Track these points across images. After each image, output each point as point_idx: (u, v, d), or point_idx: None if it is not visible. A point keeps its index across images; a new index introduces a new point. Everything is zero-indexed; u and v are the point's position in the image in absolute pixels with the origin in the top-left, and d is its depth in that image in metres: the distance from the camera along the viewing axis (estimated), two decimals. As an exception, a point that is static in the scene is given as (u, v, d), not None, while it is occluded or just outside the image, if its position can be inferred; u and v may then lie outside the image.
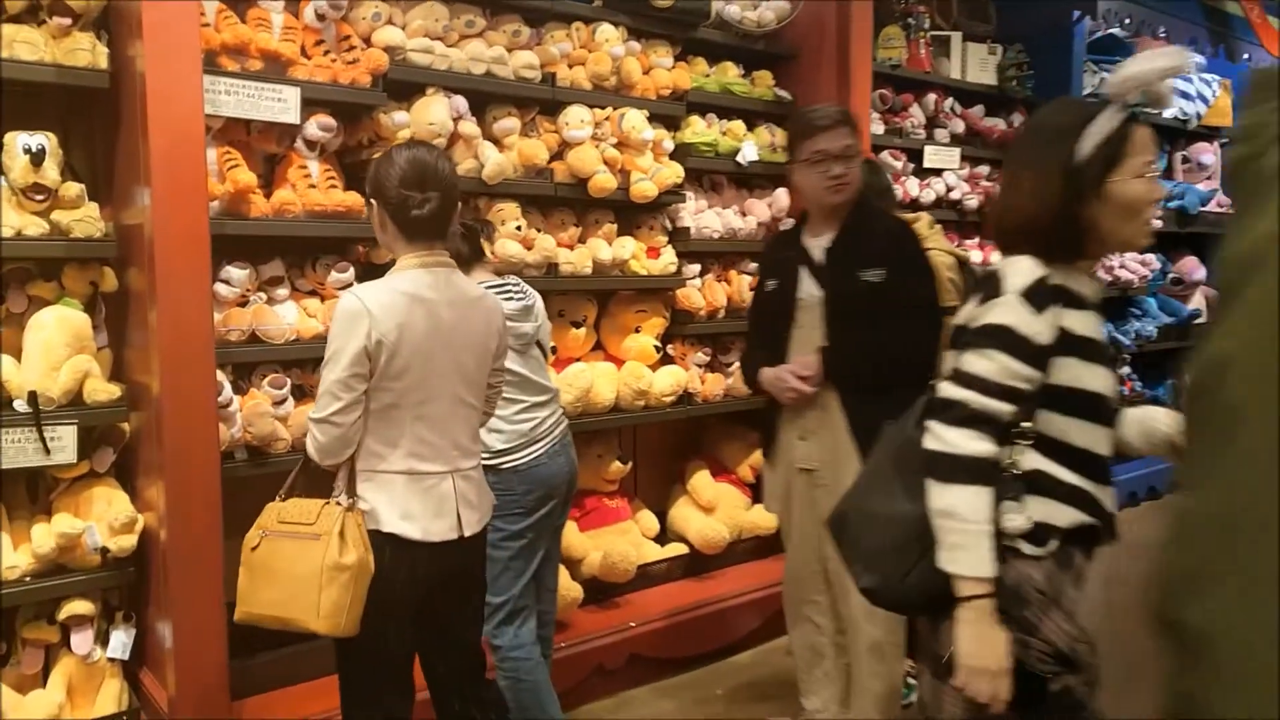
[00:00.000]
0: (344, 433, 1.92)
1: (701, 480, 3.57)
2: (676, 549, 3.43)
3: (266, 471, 2.56)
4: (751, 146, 3.52)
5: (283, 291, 2.68)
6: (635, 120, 3.17)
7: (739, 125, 3.56)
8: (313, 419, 1.93)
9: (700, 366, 3.52)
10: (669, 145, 3.32)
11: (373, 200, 2.01)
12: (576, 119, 3.09)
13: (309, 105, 2.61)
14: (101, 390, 2.31)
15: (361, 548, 1.86)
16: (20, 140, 2.26)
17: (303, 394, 2.70)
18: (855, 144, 2.39)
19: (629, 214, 3.35)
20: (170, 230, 2.19)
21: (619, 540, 3.23)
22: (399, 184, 1.95)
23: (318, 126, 2.65)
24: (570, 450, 2.53)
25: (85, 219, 2.29)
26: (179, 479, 2.28)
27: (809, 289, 2.38)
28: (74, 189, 2.30)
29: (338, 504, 1.91)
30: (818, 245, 2.40)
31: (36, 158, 2.22)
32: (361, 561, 1.85)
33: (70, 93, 2.42)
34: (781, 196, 3.60)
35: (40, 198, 2.26)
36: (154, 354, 2.24)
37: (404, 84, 2.81)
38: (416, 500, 1.95)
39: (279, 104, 2.54)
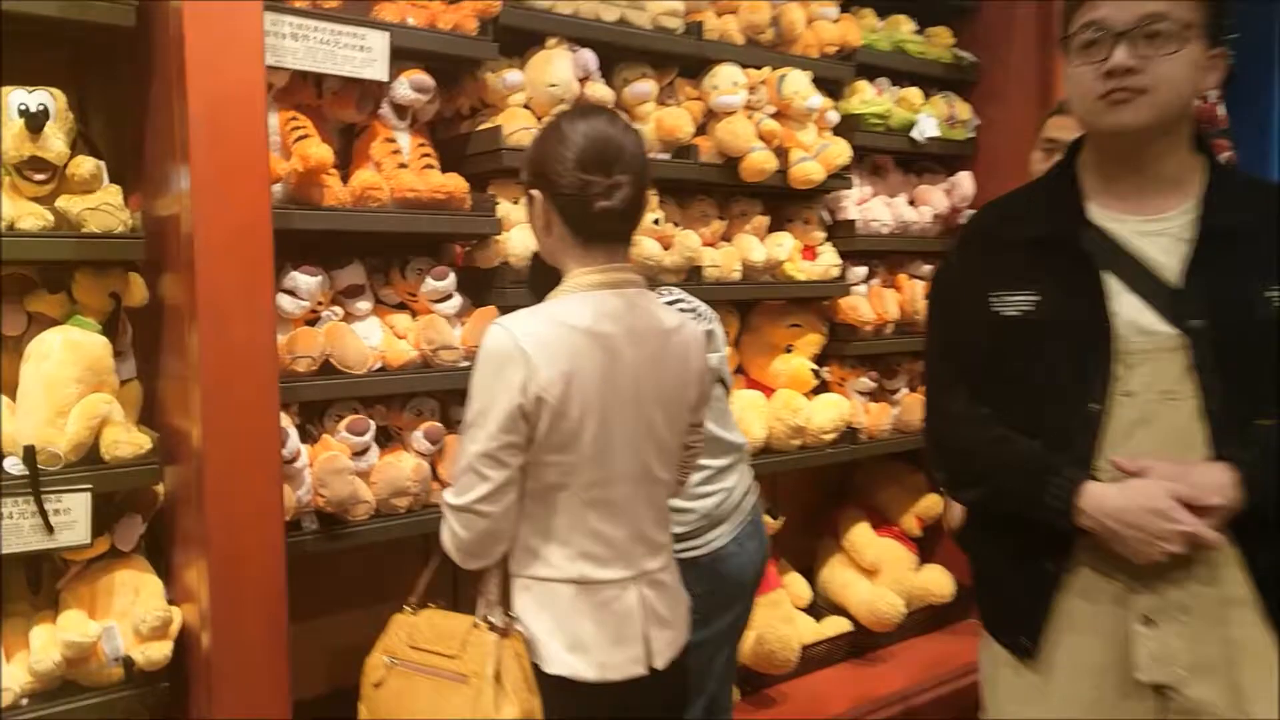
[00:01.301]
0: (493, 526, 1.33)
1: (862, 536, 2.88)
2: (838, 625, 2.75)
3: (343, 547, 1.92)
4: (930, 120, 2.83)
5: (364, 305, 2.04)
6: (798, 83, 2.49)
7: (914, 93, 2.86)
8: (452, 505, 1.35)
9: (863, 395, 2.83)
10: (834, 117, 2.64)
11: (534, 191, 1.39)
12: (727, 81, 2.41)
13: (398, 58, 1.97)
14: (125, 442, 1.67)
15: (525, 693, 1.31)
16: (14, 98, 1.63)
17: (388, 439, 2.05)
18: (1179, 15, 1.26)
19: (778, 204, 2.68)
20: (216, 223, 1.55)
21: (771, 616, 2.55)
22: (576, 165, 1.36)
23: (411, 86, 2.00)
24: (763, 530, 1.87)
25: (103, 207, 1.66)
26: (229, 561, 1.64)
27: (1137, 315, 1.31)
28: (88, 166, 1.67)
29: (489, 625, 1.30)
30: (1137, 226, 1.34)
31: (35, 121, 1.59)
32: (528, 715, 1.25)
33: (86, 36, 1.79)
34: (964, 182, 2.90)
35: (41, 177, 1.63)
36: (195, 390, 1.60)
37: (518, 33, 2.16)
38: (589, 621, 1.35)
39: (362, 54, 1.90)
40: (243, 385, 1.61)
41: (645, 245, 2.27)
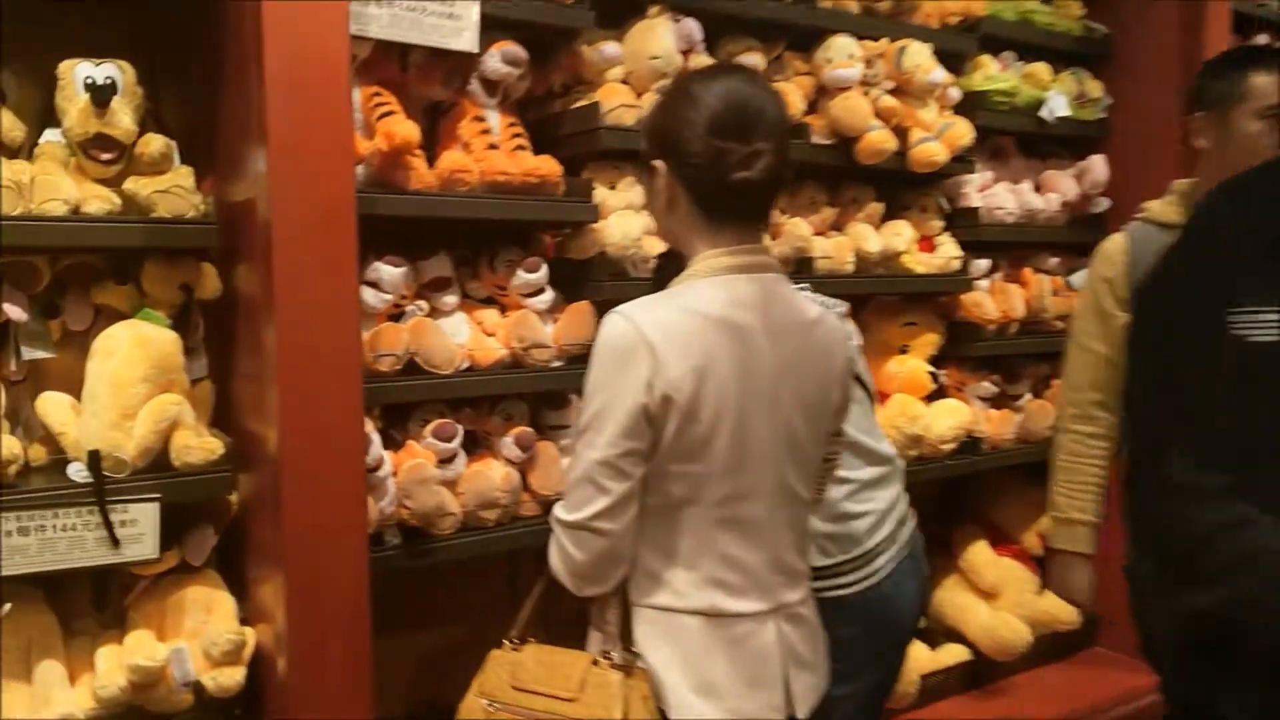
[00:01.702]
0: (613, 546, 1.15)
1: (980, 556, 2.62)
2: (956, 654, 2.50)
3: (429, 564, 1.75)
4: (1061, 98, 2.56)
5: (450, 299, 1.86)
6: (920, 56, 2.26)
7: (1042, 68, 2.60)
8: (565, 522, 1.18)
9: (984, 400, 2.57)
10: (955, 94, 2.39)
11: (656, 162, 1.20)
12: (842, 53, 2.19)
13: (488, 29, 1.79)
14: (196, 447, 1.52)
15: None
16: (80, 71, 1.50)
17: (475, 445, 1.88)
18: None
19: (891, 189, 2.44)
20: (296, 208, 1.39)
21: (886, 643, 2.31)
22: (708, 130, 1.17)
23: (503, 59, 1.82)
24: (923, 564, 1.65)
25: (174, 190, 1.51)
26: (309, 578, 1.48)
27: None
28: (158, 145, 1.53)
29: (609, 662, 1.12)
30: None
31: (101, 95, 1.45)
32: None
33: (156, 4, 1.66)
34: (1097, 166, 2.63)
35: (108, 157, 1.50)
36: (272, 391, 1.45)
37: (616, 1, 1.97)
38: (721, 659, 1.17)
39: (450, 23, 1.73)
40: (324, 386, 1.44)
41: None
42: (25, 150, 1.56)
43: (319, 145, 1.39)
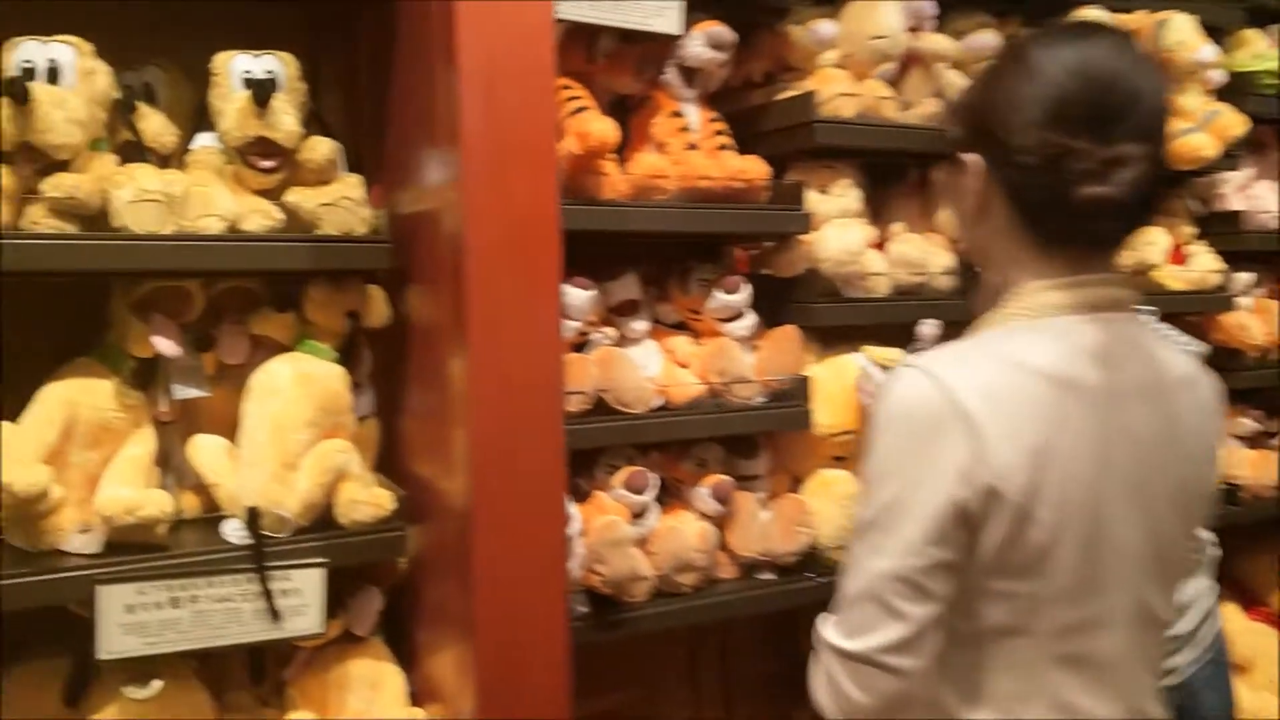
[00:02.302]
0: (909, 688, 0.84)
1: (1231, 622, 2.22)
2: (1209, 739, 2.11)
3: (618, 637, 1.49)
4: (1344, 78, 2.14)
5: (640, 325, 1.61)
6: (1183, 31, 1.88)
7: (1320, 43, 2.18)
8: (841, 651, 0.86)
9: (1241, 440, 2.17)
10: (1219, 76, 2.00)
11: (969, 155, 0.91)
12: (1092, 30, 1.84)
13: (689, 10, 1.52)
14: (365, 502, 1.31)
15: None
16: (237, 65, 1.29)
17: (667, 494, 1.61)
18: None
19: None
20: (494, 221, 1.14)
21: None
22: (1048, 119, 0.87)
23: (707, 42, 1.55)
24: (1226, 660, 1.32)
25: (342, 203, 1.30)
26: (502, 653, 1.23)
27: None
28: (324, 150, 1.31)
29: None
30: None
31: (262, 91, 1.24)
32: None
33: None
34: (1385, 160, 2.20)
35: (269, 164, 1.28)
36: (459, 433, 1.21)
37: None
38: None
39: (651, 2, 1.47)
40: (523, 427, 1.19)
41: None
42: (177, 158, 1.37)
43: (521, 148, 1.14)
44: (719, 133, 1.61)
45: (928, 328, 1.67)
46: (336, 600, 1.39)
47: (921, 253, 1.73)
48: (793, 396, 1.61)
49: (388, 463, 1.52)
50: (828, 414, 1.64)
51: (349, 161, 1.41)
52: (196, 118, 1.41)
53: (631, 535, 1.47)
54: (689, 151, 1.55)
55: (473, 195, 1.12)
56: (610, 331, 1.58)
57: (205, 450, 1.32)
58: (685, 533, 1.55)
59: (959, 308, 1.77)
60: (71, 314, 1.32)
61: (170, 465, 1.38)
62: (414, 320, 1.40)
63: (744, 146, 1.65)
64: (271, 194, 1.31)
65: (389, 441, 1.51)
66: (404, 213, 1.38)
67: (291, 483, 1.29)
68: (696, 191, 1.53)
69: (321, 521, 1.32)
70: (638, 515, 1.52)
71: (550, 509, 1.24)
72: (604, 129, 1.39)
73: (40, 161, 1.17)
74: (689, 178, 1.51)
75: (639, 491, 1.50)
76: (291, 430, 1.29)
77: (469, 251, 1.12)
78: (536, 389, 1.19)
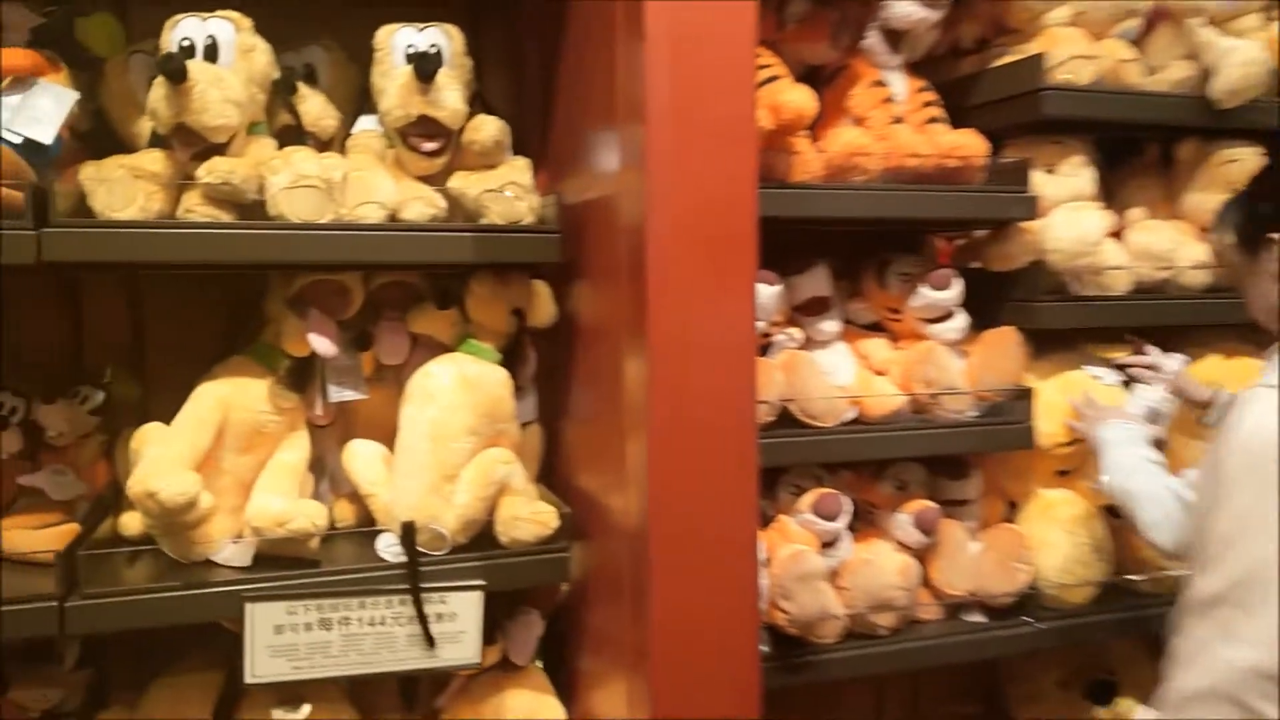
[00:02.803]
0: None
1: None
2: None
3: (808, 681, 1.31)
4: None
5: (830, 325, 1.41)
6: None
7: None
8: None
9: None
10: None
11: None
12: (1391, -28, 1.51)
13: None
14: (528, 519, 1.18)
15: None
16: (400, 39, 1.18)
17: (860, 521, 1.41)
18: None
19: None
20: (681, 208, 0.97)
21: None
22: None
23: (919, -2, 1.34)
24: None
25: (509, 189, 1.17)
26: (681, 689, 1.06)
27: None
28: (490, 130, 1.19)
29: None
30: None
31: (426, 66, 1.12)
32: None
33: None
34: None
35: (432, 146, 1.17)
36: (634, 444, 1.06)
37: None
38: None
39: (854, -47, 1.27)
40: (710, 439, 1.02)
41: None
42: (337, 143, 1.28)
43: (714, 125, 0.96)
44: (928, 104, 1.40)
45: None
46: (494, 623, 1.27)
47: (1169, 243, 1.46)
48: (1011, 411, 1.38)
49: (549, 473, 1.39)
50: (1050, 421, 1.40)
51: (514, 145, 1.28)
52: (359, 101, 1.32)
53: (822, 568, 1.28)
54: (894, 126, 1.34)
55: (657, 179, 0.96)
56: (796, 333, 1.39)
57: (361, 457, 1.23)
58: (883, 566, 1.35)
59: (1210, 308, 1.49)
60: (225, 309, 1.25)
61: (324, 471, 1.30)
62: (583, 318, 1.26)
63: (954, 121, 1.43)
64: (434, 180, 1.20)
65: (551, 450, 1.38)
66: (573, 201, 1.24)
67: (449, 496, 1.17)
68: (902, 171, 1.32)
69: (480, 539, 1.20)
70: (828, 545, 1.33)
71: (739, 533, 1.06)
72: (801, 100, 1.21)
73: (197, 145, 1.09)
74: (894, 155, 1.31)
75: (830, 518, 1.31)
76: (451, 438, 1.17)
77: (651, 242, 0.96)
78: (726, 397, 1.02)
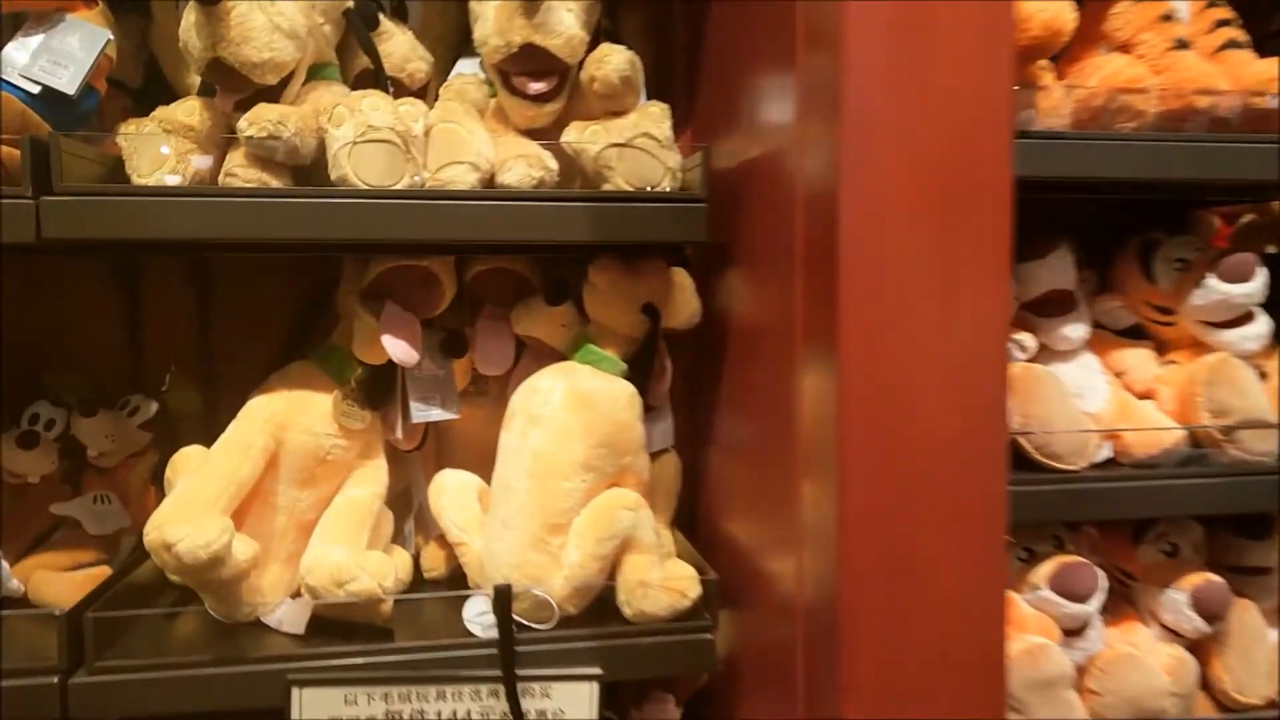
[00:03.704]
0: None
1: None
2: None
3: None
4: None
5: (1076, 331, 1.04)
6: None
7: None
8: None
9: None
10: None
11: None
12: None
13: None
14: (661, 586, 0.88)
15: None
16: (505, -53, 0.90)
17: (1112, 598, 1.03)
18: None
19: None
20: (896, 169, 0.64)
21: None
22: None
23: None
24: None
25: (642, 143, 0.87)
26: None
27: None
28: (617, 62, 0.88)
29: None
30: None
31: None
32: None
33: None
34: None
35: (540, 87, 0.88)
36: (815, 487, 0.73)
37: None
38: None
39: None
40: (933, 483, 0.68)
41: None
42: (431, 94, 1.02)
43: (949, 47, 0.63)
44: (1222, 23, 1.00)
45: None
46: (615, 707, 0.98)
47: None
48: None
49: (688, 516, 1.09)
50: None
51: (648, 90, 0.98)
52: (460, 43, 1.05)
53: (1069, 671, 0.92)
54: (1176, 53, 0.96)
55: (856, 124, 0.63)
56: (1028, 340, 1.03)
57: (449, 493, 0.96)
58: (1148, 664, 0.97)
59: None
60: (288, 302, 1.01)
61: (411, 507, 1.04)
62: (736, 317, 0.94)
63: (1257, 49, 1.03)
64: (544, 135, 0.91)
65: (690, 485, 1.08)
66: (724, 166, 0.92)
67: (557, 552, 0.88)
68: (1188, 113, 0.94)
69: (596, 610, 0.91)
70: (1071, 633, 0.96)
71: (977, 621, 0.72)
72: (1055, 12, 0.85)
73: (240, 89, 0.84)
74: (1180, 89, 0.93)
75: (1080, 597, 0.94)
76: (560, 475, 0.88)
77: (845, 212, 0.63)
78: (959, 428, 0.68)
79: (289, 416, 0.90)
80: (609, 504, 0.89)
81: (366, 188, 0.82)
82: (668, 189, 0.88)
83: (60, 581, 0.94)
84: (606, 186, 0.88)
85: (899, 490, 0.67)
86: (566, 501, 0.88)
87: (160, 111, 0.85)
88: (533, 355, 0.99)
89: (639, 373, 0.95)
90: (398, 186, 0.83)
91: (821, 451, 0.71)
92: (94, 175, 0.85)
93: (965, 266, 0.64)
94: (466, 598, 0.91)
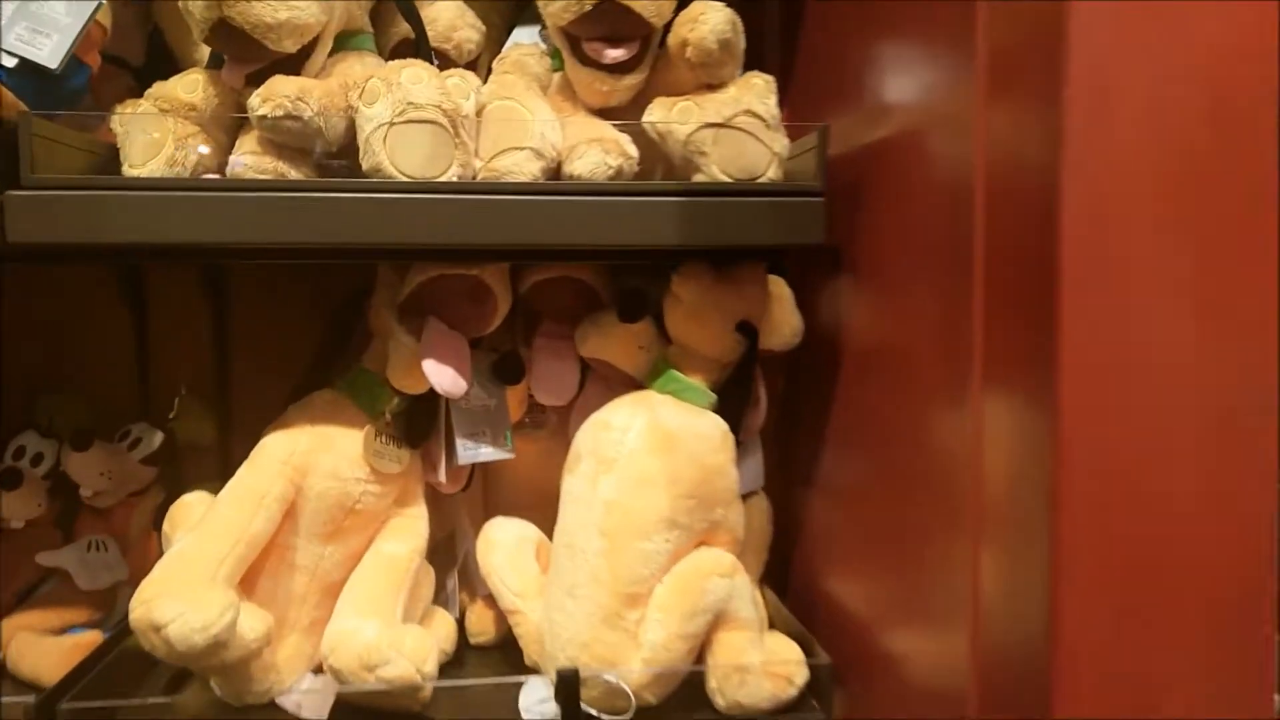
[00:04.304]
0: None
1: None
2: None
3: None
4: None
5: None
6: None
7: None
8: None
9: None
10: None
11: None
12: None
13: None
14: (760, 674, 0.71)
15: None
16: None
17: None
18: None
19: None
20: (1140, 152, 0.47)
21: None
22: None
23: None
24: None
25: (744, 122, 0.70)
26: None
27: None
28: (714, 22, 0.72)
29: None
30: None
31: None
32: None
33: None
34: None
35: (617, 54, 0.71)
36: (995, 556, 0.56)
37: None
38: None
39: None
40: (1174, 552, 0.51)
41: None
42: (483, 69, 0.86)
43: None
44: None
45: None
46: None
47: None
48: None
49: (779, 571, 0.92)
50: None
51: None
52: (514, 9, 0.89)
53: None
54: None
55: (1090, 95, 0.45)
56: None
57: (501, 550, 0.80)
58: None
59: None
60: (318, 318, 0.86)
61: (458, 558, 0.88)
62: (847, 334, 0.77)
63: None
64: (621, 115, 0.75)
65: (781, 533, 0.91)
66: (838, 151, 0.75)
67: (634, 628, 0.72)
68: None
69: (682, 696, 0.74)
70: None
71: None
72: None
73: (252, 60, 0.69)
74: None
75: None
76: (638, 533, 0.72)
77: (1071, 207, 0.46)
78: (1215, 488, 0.50)
79: (311, 458, 0.74)
80: (699, 570, 0.72)
81: (405, 179, 0.66)
82: (774, 179, 0.71)
83: (43, 648, 0.79)
84: (698, 177, 0.71)
85: (1132, 570, 0.50)
86: (646, 566, 0.71)
87: (157, 88, 0.70)
88: (601, 383, 0.83)
89: (729, 404, 0.78)
90: (443, 178, 0.67)
91: (1014, 510, 0.53)
92: (81, 167, 0.70)
93: (1227, 276, 0.47)
94: (523, 681, 0.75)
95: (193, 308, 1.00)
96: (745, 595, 0.75)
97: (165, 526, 0.75)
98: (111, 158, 0.72)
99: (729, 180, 0.70)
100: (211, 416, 0.97)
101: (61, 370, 0.96)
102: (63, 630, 0.83)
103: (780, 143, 0.72)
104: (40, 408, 0.91)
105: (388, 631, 0.70)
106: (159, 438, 0.90)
